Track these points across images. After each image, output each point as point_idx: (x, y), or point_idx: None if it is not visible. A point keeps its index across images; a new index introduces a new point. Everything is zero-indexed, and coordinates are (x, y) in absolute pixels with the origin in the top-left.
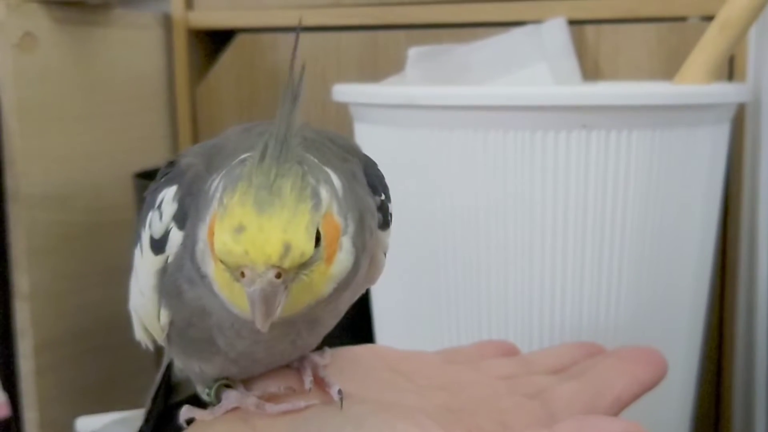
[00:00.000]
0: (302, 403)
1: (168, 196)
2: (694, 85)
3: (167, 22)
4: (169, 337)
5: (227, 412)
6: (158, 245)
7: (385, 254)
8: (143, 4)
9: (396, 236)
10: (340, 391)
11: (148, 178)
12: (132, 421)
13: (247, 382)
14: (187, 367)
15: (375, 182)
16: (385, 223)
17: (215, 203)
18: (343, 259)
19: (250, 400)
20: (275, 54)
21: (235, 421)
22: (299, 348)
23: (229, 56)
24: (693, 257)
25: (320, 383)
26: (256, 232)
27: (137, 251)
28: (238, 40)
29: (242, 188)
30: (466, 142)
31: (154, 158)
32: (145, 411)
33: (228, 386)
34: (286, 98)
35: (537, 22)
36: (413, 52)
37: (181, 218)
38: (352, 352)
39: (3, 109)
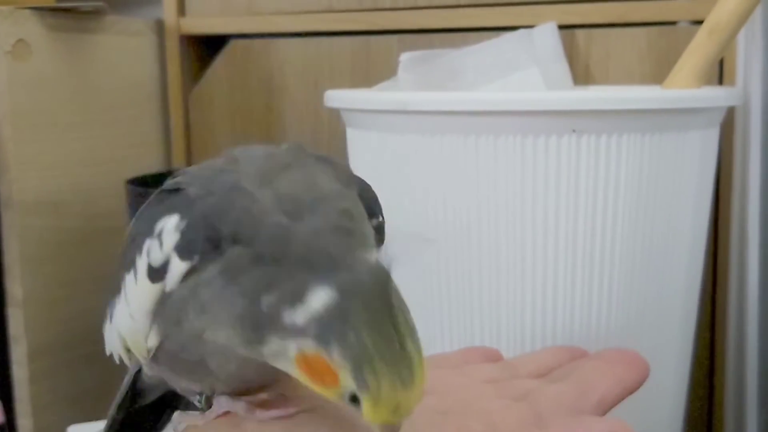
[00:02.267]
0: (292, 409)
1: (169, 226)
2: (683, 90)
3: (160, 28)
4: (155, 357)
5: (218, 417)
6: (157, 274)
7: None
8: (136, 11)
9: (387, 240)
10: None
11: (141, 184)
12: None
13: None
14: (172, 382)
15: (372, 204)
16: (380, 242)
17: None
18: None
19: (241, 405)
20: (268, 60)
21: (226, 426)
22: None
23: (221, 62)
24: (684, 261)
25: None
26: (406, 402)
27: (129, 277)
28: (231, 46)
29: (383, 372)
30: (457, 147)
31: (147, 165)
32: (109, 417)
33: None
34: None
35: (528, 27)
36: (405, 58)
37: (185, 249)
38: None
39: None
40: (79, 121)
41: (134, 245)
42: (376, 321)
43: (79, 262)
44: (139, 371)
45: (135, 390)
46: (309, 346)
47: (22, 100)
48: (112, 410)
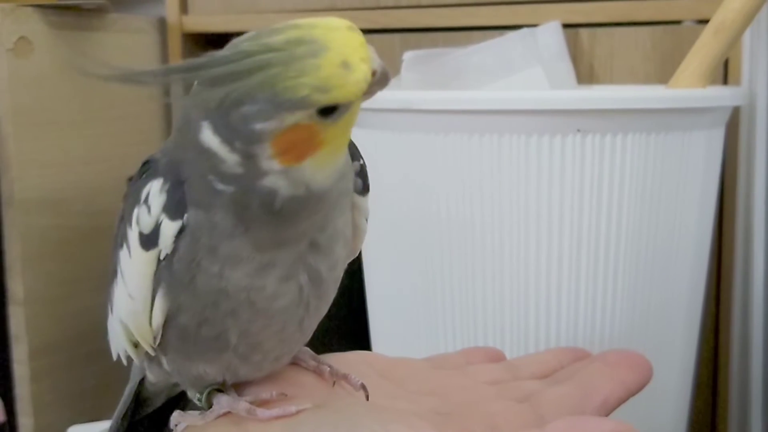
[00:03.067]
0: (293, 408)
1: (154, 189)
2: (689, 89)
3: (162, 26)
4: (164, 342)
5: (219, 417)
6: (149, 240)
7: (366, 220)
8: (138, 9)
9: (391, 240)
10: (363, 385)
11: None
12: None
13: (239, 388)
14: (184, 371)
15: (351, 149)
16: (365, 188)
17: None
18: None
19: (242, 405)
20: None
21: (227, 426)
22: (305, 332)
23: None
24: (688, 262)
25: (342, 379)
26: (348, 43)
27: (122, 253)
28: None
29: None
30: (461, 146)
31: None
32: (111, 428)
33: (219, 391)
34: None
35: (532, 26)
36: (409, 56)
37: (173, 208)
38: (343, 358)
39: None
40: (81, 119)
41: (123, 220)
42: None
43: (80, 261)
44: (142, 380)
45: (138, 399)
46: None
47: (24, 97)
48: (114, 421)
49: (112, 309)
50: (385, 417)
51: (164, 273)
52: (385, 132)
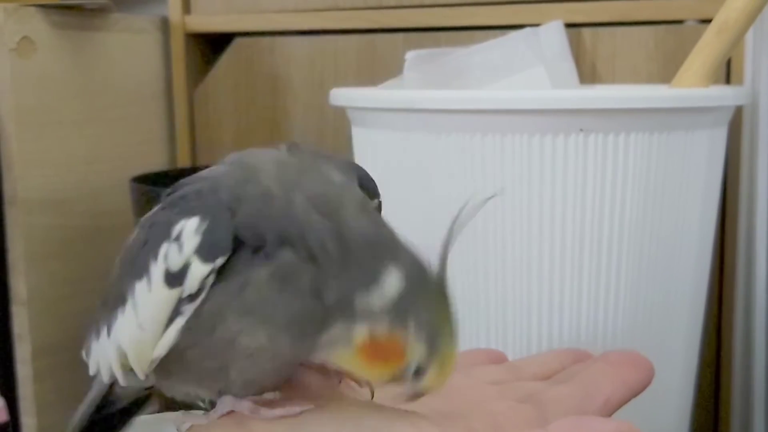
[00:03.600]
0: (297, 408)
1: (189, 228)
2: (691, 89)
3: (165, 26)
4: (158, 368)
5: (222, 416)
6: (175, 278)
7: None
8: (141, 9)
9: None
10: (368, 382)
11: (146, 182)
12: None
13: None
14: (175, 390)
15: (373, 187)
16: None
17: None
18: None
19: (245, 404)
20: (273, 58)
21: (231, 425)
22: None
23: (226, 60)
24: (691, 261)
25: (347, 375)
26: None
27: (140, 285)
28: (236, 44)
29: (445, 345)
30: (463, 146)
31: (152, 162)
32: (72, 427)
33: None
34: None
35: (534, 25)
36: (411, 56)
37: (207, 252)
38: None
39: (1, 113)
40: (84, 119)
41: (146, 251)
42: (438, 302)
43: (83, 260)
44: (112, 384)
45: (103, 401)
46: (383, 326)
47: (27, 97)
48: (77, 422)
49: (108, 333)
50: (389, 417)
51: (184, 311)
52: (388, 131)
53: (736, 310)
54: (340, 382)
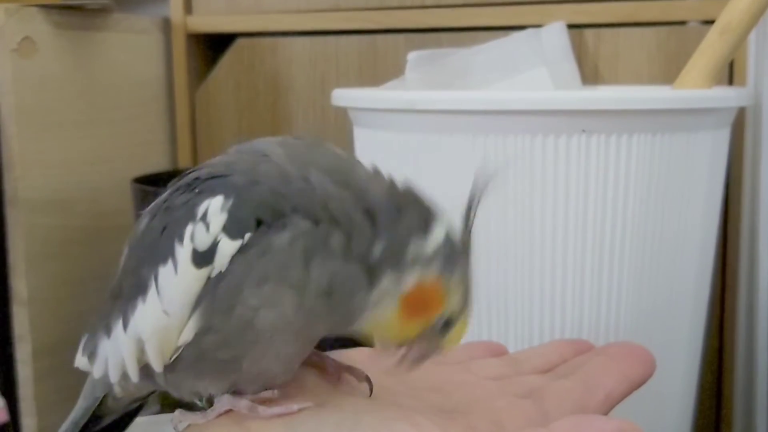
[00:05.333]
0: (295, 407)
1: (214, 207)
2: (694, 90)
3: (166, 26)
4: (177, 359)
5: (220, 415)
6: (204, 258)
7: None
8: (142, 9)
9: None
10: (368, 377)
11: (147, 183)
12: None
13: None
14: (185, 387)
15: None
16: None
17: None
18: None
19: (243, 403)
20: (274, 58)
21: (229, 424)
22: (306, 353)
23: (228, 61)
24: (693, 261)
25: (346, 371)
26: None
27: (165, 270)
28: (237, 45)
29: (472, 302)
30: (465, 147)
31: (153, 163)
32: None
33: None
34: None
35: (536, 26)
36: (413, 56)
37: (235, 228)
38: (345, 355)
39: (2, 114)
40: (85, 119)
41: (168, 235)
42: (468, 257)
43: (84, 261)
44: (106, 397)
45: (92, 415)
46: (433, 271)
47: (28, 98)
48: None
49: (124, 327)
50: (388, 415)
51: (209, 293)
52: (389, 132)
53: (738, 309)
54: (338, 379)
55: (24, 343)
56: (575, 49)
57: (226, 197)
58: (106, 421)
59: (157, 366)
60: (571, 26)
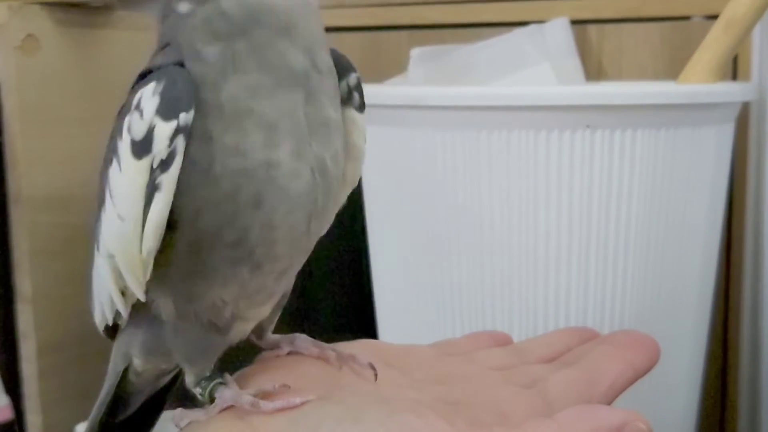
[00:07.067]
0: (298, 400)
1: (146, 93)
2: (698, 85)
3: None
4: (163, 276)
5: (222, 411)
6: (142, 147)
7: (365, 141)
8: (146, 6)
9: (400, 236)
10: (371, 365)
11: None
12: None
13: (240, 381)
14: (198, 306)
15: (343, 62)
16: (361, 104)
17: None
18: None
19: (245, 398)
20: None
21: (231, 420)
22: (311, 238)
23: None
24: (698, 256)
25: (349, 360)
26: None
27: (112, 170)
28: None
29: None
30: (469, 142)
31: None
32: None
33: (222, 385)
34: None
35: (540, 22)
36: (416, 53)
37: (167, 109)
38: (348, 347)
39: (5, 111)
40: (88, 117)
41: (112, 137)
42: None
43: (88, 258)
44: (125, 374)
45: (117, 398)
46: None
47: (31, 95)
48: (90, 424)
49: (98, 246)
50: (392, 407)
51: (160, 184)
52: (394, 128)
53: (743, 304)
54: (341, 367)
55: (28, 341)
56: (579, 44)
57: (158, 81)
58: (132, 406)
59: (136, 288)
60: (574, 22)
